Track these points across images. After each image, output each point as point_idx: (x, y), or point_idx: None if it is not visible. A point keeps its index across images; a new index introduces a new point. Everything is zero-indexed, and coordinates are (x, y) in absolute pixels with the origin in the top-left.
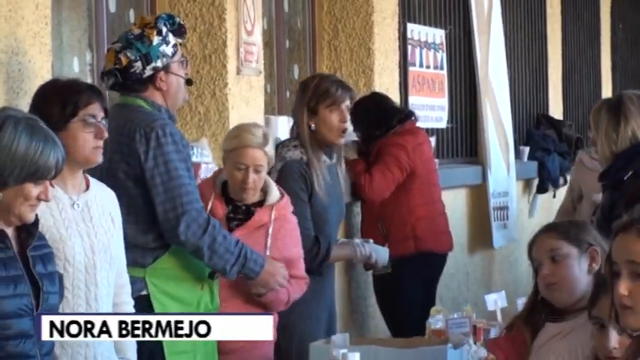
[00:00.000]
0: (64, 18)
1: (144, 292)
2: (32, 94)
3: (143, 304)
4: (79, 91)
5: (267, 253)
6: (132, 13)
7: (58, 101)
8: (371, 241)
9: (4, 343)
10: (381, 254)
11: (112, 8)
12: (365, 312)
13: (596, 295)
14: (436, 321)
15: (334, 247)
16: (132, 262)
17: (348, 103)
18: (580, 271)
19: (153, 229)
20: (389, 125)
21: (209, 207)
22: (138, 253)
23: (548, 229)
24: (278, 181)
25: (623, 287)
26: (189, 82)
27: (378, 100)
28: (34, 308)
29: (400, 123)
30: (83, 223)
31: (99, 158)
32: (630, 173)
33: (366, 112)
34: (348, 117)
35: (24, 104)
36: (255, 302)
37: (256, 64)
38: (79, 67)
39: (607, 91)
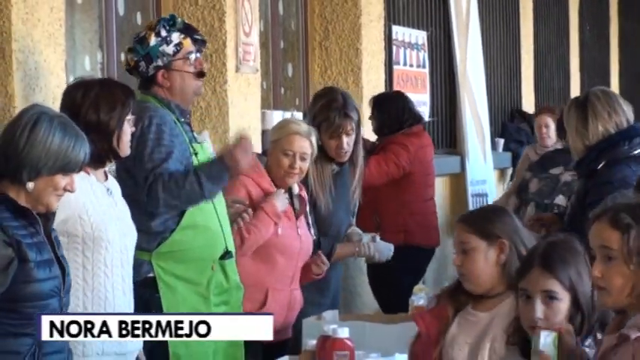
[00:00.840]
0: (77, 20)
1: (151, 275)
2: (47, 90)
3: (150, 286)
4: (132, 93)
5: (313, 232)
6: (139, 16)
7: (120, 102)
8: (378, 238)
9: None
10: (384, 253)
11: (121, 12)
12: (353, 291)
13: (525, 268)
14: (418, 298)
15: (338, 247)
16: (138, 246)
17: (350, 127)
18: (486, 264)
19: (154, 215)
20: (400, 127)
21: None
22: (143, 238)
23: (462, 220)
24: None
25: (597, 270)
26: (201, 74)
27: (397, 101)
28: (62, 288)
29: (410, 127)
30: (112, 208)
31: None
32: (603, 164)
33: (383, 110)
34: (348, 141)
35: (39, 99)
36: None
37: (253, 63)
38: (90, 66)
39: (575, 87)
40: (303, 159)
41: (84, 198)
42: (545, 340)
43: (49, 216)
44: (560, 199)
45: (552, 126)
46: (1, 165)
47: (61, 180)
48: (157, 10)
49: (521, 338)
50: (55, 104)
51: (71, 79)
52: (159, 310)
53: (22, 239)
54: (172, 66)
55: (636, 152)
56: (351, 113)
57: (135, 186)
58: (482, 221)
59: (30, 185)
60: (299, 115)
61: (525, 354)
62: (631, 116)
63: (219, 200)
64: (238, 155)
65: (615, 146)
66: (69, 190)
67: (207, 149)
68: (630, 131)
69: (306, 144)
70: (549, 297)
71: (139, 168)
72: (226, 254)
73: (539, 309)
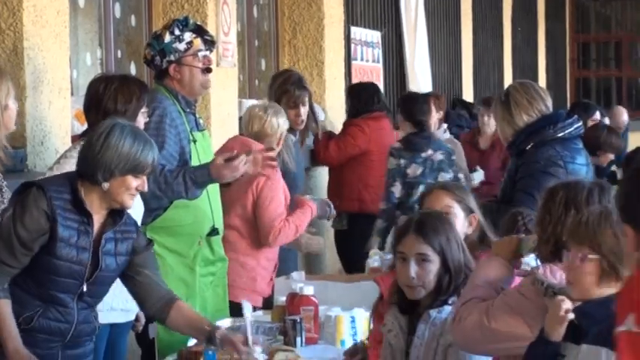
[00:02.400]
0: (80, 22)
1: None
2: (54, 82)
3: None
4: (147, 89)
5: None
6: (133, 18)
7: (135, 96)
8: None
9: (52, 293)
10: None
11: (117, 15)
12: (317, 255)
13: (401, 234)
14: (373, 261)
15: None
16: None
17: (305, 98)
18: (461, 229)
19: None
20: (363, 111)
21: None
22: (143, 214)
23: (444, 187)
24: None
25: None
26: (208, 70)
27: (367, 90)
28: (85, 276)
29: (371, 112)
30: None
31: None
32: (531, 145)
33: (353, 96)
34: (304, 111)
35: (47, 91)
36: None
37: (231, 59)
38: (90, 61)
39: (508, 80)
40: None
41: None
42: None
43: (115, 218)
44: (443, 176)
45: (433, 110)
46: (83, 169)
47: (133, 181)
48: (149, 14)
49: (399, 297)
50: (60, 94)
51: (74, 73)
52: None
53: (61, 218)
54: (183, 61)
55: (559, 135)
56: (305, 86)
57: None
58: (463, 194)
59: (105, 185)
60: (257, 103)
61: (403, 310)
62: (549, 101)
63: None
64: (226, 175)
65: (541, 130)
66: (140, 190)
67: (207, 137)
68: (554, 117)
69: None
70: (422, 259)
71: None
72: (213, 231)
73: (414, 269)
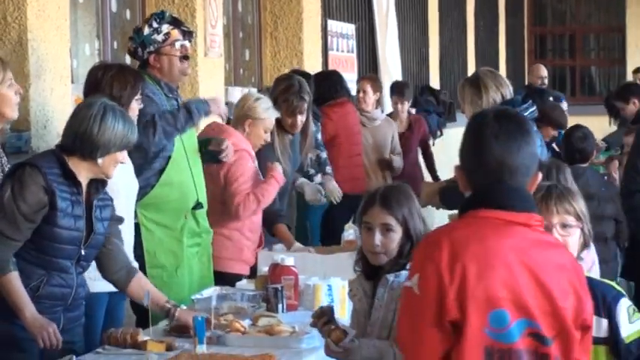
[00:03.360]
0: (79, 16)
1: (135, 220)
2: (55, 71)
3: (135, 229)
4: (141, 78)
5: None
6: (128, 12)
7: (130, 84)
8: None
9: (54, 260)
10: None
11: (114, 9)
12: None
13: (367, 205)
14: (349, 234)
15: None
16: None
17: (303, 108)
18: None
19: (141, 172)
20: (328, 98)
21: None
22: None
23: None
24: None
25: None
26: (185, 58)
27: (328, 79)
28: (83, 241)
29: (335, 99)
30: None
31: None
32: None
33: (317, 85)
34: (301, 119)
35: (49, 79)
36: None
37: (218, 49)
38: (89, 52)
39: (471, 70)
40: None
41: None
42: None
43: (98, 186)
44: None
45: (370, 92)
46: (76, 145)
47: (120, 155)
48: (142, 8)
49: (364, 264)
50: (61, 82)
51: (74, 62)
52: (141, 249)
53: (57, 191)
54: (161, 51)
55: None
56: (305, 96)
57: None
58: None
59: (100, 161)
60: (254, 91)
61: (368, 276)
62: (511, 89)
63: (195, 160)
64: (220, 105)
65: None
66: (122, 162)
67: None
68: (510, 102)
69: None
70: (386, 229)
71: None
72: (197, 205)
73: (378, 238)
